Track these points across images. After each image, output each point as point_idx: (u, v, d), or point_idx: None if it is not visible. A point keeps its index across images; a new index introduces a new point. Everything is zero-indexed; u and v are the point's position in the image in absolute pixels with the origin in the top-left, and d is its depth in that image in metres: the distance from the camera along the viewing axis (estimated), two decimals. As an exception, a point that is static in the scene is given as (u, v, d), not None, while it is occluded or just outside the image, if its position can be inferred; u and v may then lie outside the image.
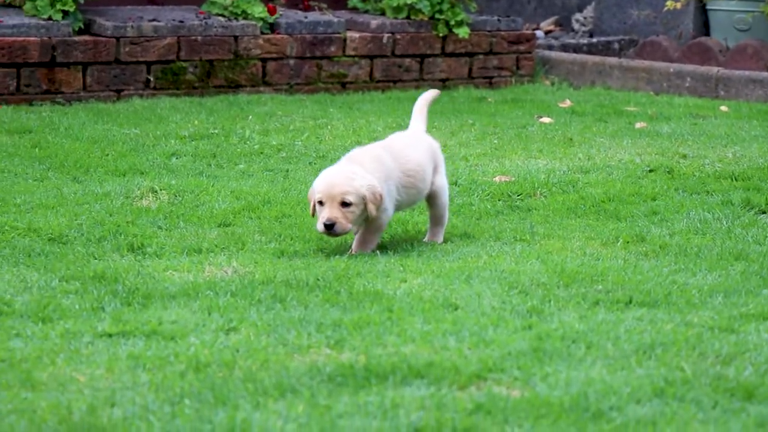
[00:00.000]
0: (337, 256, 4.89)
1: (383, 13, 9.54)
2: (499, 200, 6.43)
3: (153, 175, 6.34)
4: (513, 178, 6.70)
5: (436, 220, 5.31)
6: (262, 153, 7.07)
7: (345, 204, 4.67)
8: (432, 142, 5.36)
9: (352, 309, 4.09)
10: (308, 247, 5.03)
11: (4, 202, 5.56)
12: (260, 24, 8.92)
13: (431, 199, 5.24)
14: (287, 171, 6.64)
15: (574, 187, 6.62)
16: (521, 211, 6.57)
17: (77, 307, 3.94)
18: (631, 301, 4.48)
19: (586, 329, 4.01)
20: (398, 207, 5.14)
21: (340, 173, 4.82)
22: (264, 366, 3.43)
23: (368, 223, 4.93)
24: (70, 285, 4.24)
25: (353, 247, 5.03)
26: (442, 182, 5.29)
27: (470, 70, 10.07)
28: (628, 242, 5.49)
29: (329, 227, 4.68)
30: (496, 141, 7.80)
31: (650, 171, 6.94)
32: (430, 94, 5.52)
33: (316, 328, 3.83)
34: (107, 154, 6.82)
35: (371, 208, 4.74)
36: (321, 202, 4.70)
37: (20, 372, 3.24)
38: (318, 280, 4.42)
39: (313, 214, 4.81)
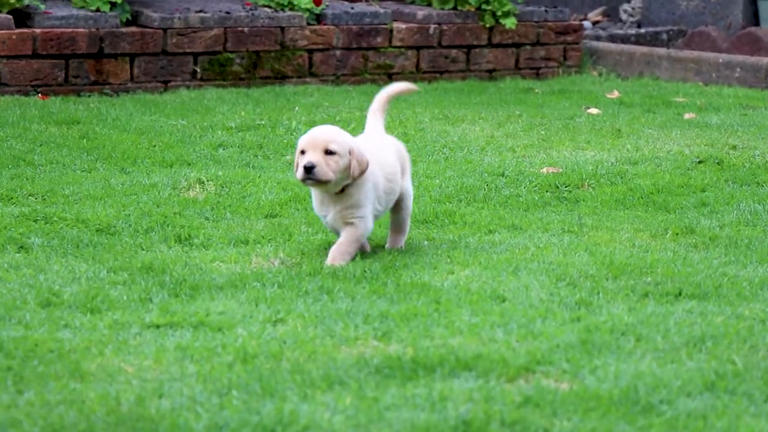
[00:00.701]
0: (382, 249, 4.89)
1: (429, 4, 9.49)
2: (546, 191, 6.39)
3: (200, 166, 6.36)
4: (561, 170, 6.66)
5: (399, 227, 4.95)
6: (308, 144, 7.06)
7: (329, 152, 4.35)
8: (398, 143, 4.99)
9: (399, 301, 4.08)
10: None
11: (53, 193, 5.59)
12: (306, 15, 8.90)
13: (398, 203, 4.86)
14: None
15: (622, 178, 6.57)
16: (569, 202, 6.53)
17: (125, 298, 3.95)
18: (680, 294, 4.44)
19: (635, 321, 3.97)
20: (375, 216, 4.76)
21: (326, 126, 4.63)
22: (311, 357, 3.42)
23: (346, 231, 4.57)
24: (118, 276, 4.25)
25: (328, 258, 4.59)
26: (409, 186, 4.95)
27: (517, 60, 10.03)
28: (677, 234, 5.44)
29: (308, 170, 4.30)
30: (543, 132, 7.76)
31: (699, 162, 6.87)
32: (395, 89, 5.10)
33: (363, 320, 3.82)
34: (154, 145, 6.84)
35: (354, 165, 4.39)
36: (303, 152, 4.38)
37: (69, 363, 3.25)
38: (365, 271, 4.41)
39: (295, 167, 4.46)
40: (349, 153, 4.38)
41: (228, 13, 8.77)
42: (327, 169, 4.31)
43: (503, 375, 3.32)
